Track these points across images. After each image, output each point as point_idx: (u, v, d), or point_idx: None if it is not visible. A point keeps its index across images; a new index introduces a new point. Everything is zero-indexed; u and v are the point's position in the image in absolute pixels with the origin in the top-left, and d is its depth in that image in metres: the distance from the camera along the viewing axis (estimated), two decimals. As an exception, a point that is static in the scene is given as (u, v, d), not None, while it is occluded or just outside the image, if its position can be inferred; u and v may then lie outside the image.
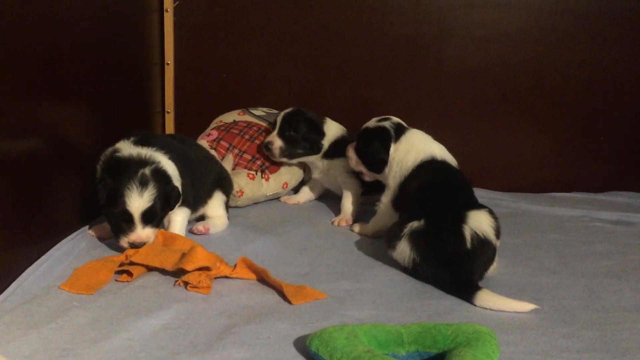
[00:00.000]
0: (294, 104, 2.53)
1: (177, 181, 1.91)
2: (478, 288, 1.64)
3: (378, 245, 2.02)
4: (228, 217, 2.19)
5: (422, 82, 2.83)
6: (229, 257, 1.79)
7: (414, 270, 1.78)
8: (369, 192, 2.34)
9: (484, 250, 1.74)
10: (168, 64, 2.80)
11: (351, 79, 2.84)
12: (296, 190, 2.58)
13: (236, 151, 2.49)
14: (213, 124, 2.66)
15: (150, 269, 1.74)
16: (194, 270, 1.65)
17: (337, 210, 2.39)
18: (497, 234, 1.79)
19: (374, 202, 2.19)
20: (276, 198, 2.54)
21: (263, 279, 1.71)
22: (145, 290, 1.64)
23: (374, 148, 2.07)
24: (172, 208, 1.88)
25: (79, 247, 1.88)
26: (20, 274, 1.64)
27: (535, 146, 2.86)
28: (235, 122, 2.61)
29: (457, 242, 1.73)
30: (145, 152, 1.88)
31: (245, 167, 2.45)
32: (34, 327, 1.41)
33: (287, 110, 2.44)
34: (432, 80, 2.83)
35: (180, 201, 1.93)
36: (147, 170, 1.81)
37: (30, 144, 1.74)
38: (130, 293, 1.62)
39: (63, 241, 1.87)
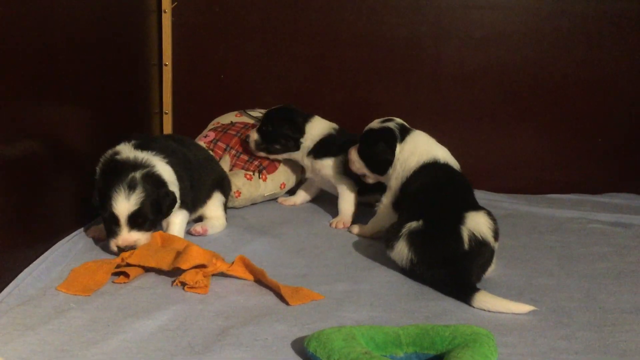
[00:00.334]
0: (292, 104, 2.52)
1: (173, 186, 1.90)
2: (476, 289, 1.64)
3: (376, 247, 2.02)
4: (226, 218, 2.19)
5: (420, 83, 2.83)
6: (226, 258, 1.78)
7: (411, 271, 1.78)
8: (365, 192, 2.33)
9: (481, 251, 1.74)
10: (166, 64, 2.80)
11: (350, 79, 2.84)
12: (293, 191, 2.58)
13: (233, 152, 2.49)
14: (210, 126, 2.66)
15: (147, 269, 1.73)
16: (190, 269, 1.65)
17: (335, 211, 2.39)
18: (496, 235, 1.79)
19: (372, 202, 2.19)
20: (274, 199, 2.54)
21: (260, 280, 1.71)
22: (142, 291, 1.64)
23: (380, 149, 2.06)
24: (165, 213, 1.87)
25: (76, 249, 1.88)
26: (17, 275, 1.63)
27: (533, 147, 2.86)
28: (232, 124, 2.61)
29: (455, 243, 1.73)
30: (142, 155, 1.88)
31: (243, 168, 2.45)
32: (31, 328, 1.40)
33: (273, 107, 2.45)
34: (430, 81, 2.83)
35: (179, 204, 1.93)
36: (137, 174, 1.81)
37: (28, 144, 1.73)
38: (128, 294, 1.61)
39: (60, 242, 1.87)
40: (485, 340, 1.31)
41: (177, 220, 1.97)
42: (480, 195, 1.99)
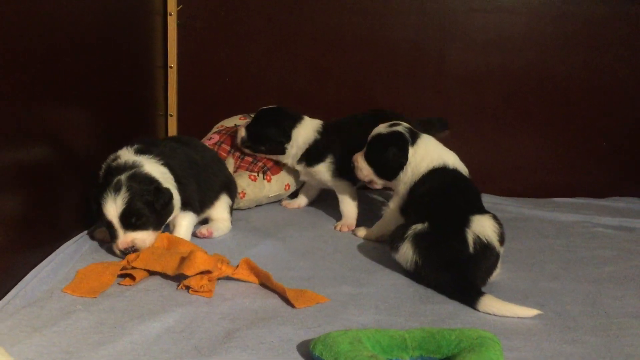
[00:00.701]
0: (296, 106, 2.53)
1: (168, 184, 1.89)
2: (481, 293, 1.64)
3: (380, 250, 2.02)
4: (231, 221, 2.19)
5: (424, 86, 2.84)
6: (231, 260, 1.78)
7: (416, 273, 1.78)
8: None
9: (486, 255, 1.74)
10: (171, 67, 2.81)
11: (353, 82, 2.85)
12: (295, 193, 2.58)
13: (238, 154, 2.49)
14: (214, 129, 2.66)
15: (152, 272, 1.74)
16: (195, 275, 1.65)
17: (339, 213, 2.40)
18: (501, 239, 1.79)
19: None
20: (278, 200, 2.55)
21: (265, 283, 1.71)
22: (148, 293, 1.64)
23: (392, 153, 2.02)
24: (161, 208, 1.84)
25: (81, 250, 1.89)
26: (23, 276, 1.63)
27: (537, 151, 2.86)
28: (236, 126, 2.61)
29: (459, 246, 1.73)
30: (135, 158, 1.89)
31: (247, 169, 2.46)
32: (38, 330, 1.40)
33: (265, 107, 2.44)
34: (434, 84, 2.84)
35: (184, 205, 1.94)
36: (123, 176, 1.82)
37: (33, 147, 1.74)
38: (134, 296, 1.62)
39: (66, 244, 1.87)
40: (491, 344, 1.31)
41: (184, 223, 1.98)
42: (484, 199, 1.98)
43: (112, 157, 1.95)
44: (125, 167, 1.86)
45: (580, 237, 2.27)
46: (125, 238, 1.80)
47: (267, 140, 2.39)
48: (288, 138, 2.37)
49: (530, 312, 1.59)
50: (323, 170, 2.35)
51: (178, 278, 1.69)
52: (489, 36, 2.78)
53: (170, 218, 1.93)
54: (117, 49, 2.32)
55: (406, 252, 1.78)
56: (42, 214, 1.78)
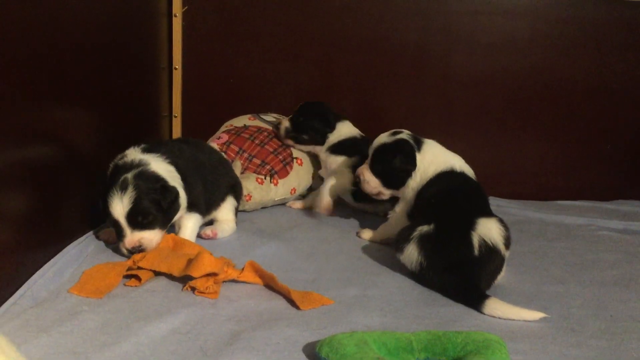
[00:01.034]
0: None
1: (175, 183, 1.89)
2: (486, 296, 1.64)
3: (385, 252, 2.02)
4: (236, 223, 2.20)
5: (428, 89, 2.84)
6: (236, 262, 1.78)
7: (420, 275, 1.78)
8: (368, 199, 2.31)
9: (491, 258, 1.74)
10: (176, 68, 2.81)
11: (358, 84, 2.85)
12: (303, 197, 2.58)
13: (246, 155, 2.49)
14: (223, 128, 2.66)
15: (157, 273, 1.74)
16: (201, 277, 1.66)
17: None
18: (507, 243, 1.78)
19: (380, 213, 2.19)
20: (283, 203, 2.55)
21: (269, 285, 1.71)
22: (154, 294, 1.64)
23: (399, 161, 2.00)
24: (167, 206, 1.84)
25: (87, 251, 1.89)
26: (29, 277, 1.64)
27: (541, 154, 2.86)
28: (245, 127, 2.61)
29: (464, 248, 1.73)
30: (142, 157, 1.89)
31: (255, 172, 2.46)
32: (44, 330, 1.41)
33: (309, 101, 2.55)
34: (438, 87, 2.84)
35: (190, 206, 1.94)
36: (129, 175, 1.81)
37: (39, 147, 1.74)
38: (140, 297, 1.62)
39: (72, 245, 1.87)
40: (497, 347, 1.32)
41: (190, 224, 1.98)
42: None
43: (119, 156, 1.95)
44: (132, 166, 1.86)
45: (585, 240, 2.27)
46: (132, 237, 1.80)
47: (311, 129, 2.50)
48: (332, 128, 2.50)
49: (535, 315, 1.59)
50: (339, 162, 2.44)
51: (183, 279, 1.70)
52: (494, 39, 2.78)
53: (176, 218, 1.93)
54: (122, 50, 2.32)
55: (411, 253, 1.78)
56: (47, 214, 1.78)
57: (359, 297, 1.70)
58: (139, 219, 1.79)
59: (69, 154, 1.93)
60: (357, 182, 2.15)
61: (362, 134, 2.52)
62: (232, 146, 2.52)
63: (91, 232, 2.01)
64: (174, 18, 2.76)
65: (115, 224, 1.81)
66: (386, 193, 2.10)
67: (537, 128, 2.85)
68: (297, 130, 2.52)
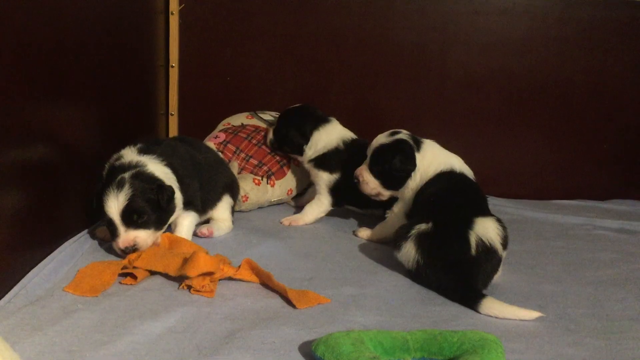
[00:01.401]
0: (311, 105, 2.52)
1: (171, 184, 1.88)
2: (482, 295, 1.64)
3: (382, 251, 2.02)
4: (232, 221, 2.19)
5: (426, 88, 2.84)
6: (232, 260, 1.78)
7: (417, 274, 1.78)
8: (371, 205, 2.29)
9: (488, 257, 1.74)
10: (173, 66, 2.80)
11: (355, 83, 2.85)
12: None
13: (243, 155, 2.49)
14: (220, 126, 2.66)
15: (154, 272, 1.73)
16: (197, 276, 1.65)
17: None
18: (504, 243, 1.78)
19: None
20: (279, 204, 2.54)
21: (266, 283, 1.71)
22: (150, 292, 1.64)
23: (398, 162, 2.00)
24: (165, 205, 1.83)
25: (82, 249, 1.88)
26: (24, 275, 1.63)
27: (538, 153, 2.87)
28: (243, 126, 2.61)
29: (461, 247, 1.73)
30: (140, 158, 1.89)
31: (251, 172, 2.45)
32: (39, 329, 1.40)
33: (291, 106, 2.46)
34: (436, 86, 2.84)
35: (186, 205, 1.93)
36: (126, 175, 1.81)
37: (35, 146, 1.73)
38: (135, 295, 1.61)
39: (67, 243, 1.86)
40: (494, 347, 1.31)
41: (186, 222, 1.98)
42: (485, 201, 2.00)
43: (115, 156, 1.94)
44: (128, 167, 1.86)
45: (582, 240, 2.27)
46: (126, 236, 1.79)
47: (288, 141, 2.40)
48: (306, 140, 2.36)
49: (531, 314, 1.59)
50: (323, 178, 2.32)
51: (179, 278, 1.69)
52: (491, 39, 2.78)
53: (173, 218, 1.93)
54: (119, 48, 2.32)
55: (409, 251, 1.78)
56: (43, 212, 1.78)
57: (356, 296, 1.69)
58: (133, 217, 1.79)
59: (65, 151, 1.92)
60: (355, 183, 2.13)
61: (350, 137, 2.38)
62: (229, 145, 2.51)
63: (87, 231, 2.00)
64: (170, 16, 2.76)
65: (110, 223, 1.81)
66: (385, 194, 2.09)
67: (534, 128, 2.85)
68: (278, 141, 2.44)
